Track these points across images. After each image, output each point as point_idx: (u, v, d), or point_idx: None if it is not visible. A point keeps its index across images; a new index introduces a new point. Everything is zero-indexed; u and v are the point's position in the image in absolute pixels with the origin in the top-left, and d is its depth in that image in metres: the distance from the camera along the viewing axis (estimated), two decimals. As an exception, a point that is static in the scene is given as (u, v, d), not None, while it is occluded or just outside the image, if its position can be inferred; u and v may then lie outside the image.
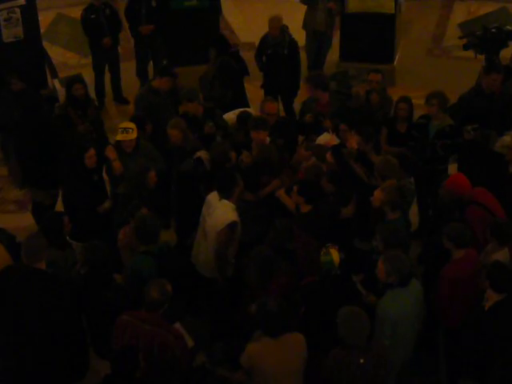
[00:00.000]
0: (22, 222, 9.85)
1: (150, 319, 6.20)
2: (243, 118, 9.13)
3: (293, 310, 6.24)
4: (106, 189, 8.78)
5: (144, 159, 8.40)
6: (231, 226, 7.44)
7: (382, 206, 7.28)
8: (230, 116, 9.48)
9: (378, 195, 7.32)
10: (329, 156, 8.21)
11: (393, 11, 12.44)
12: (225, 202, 7.54)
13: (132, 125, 8.55)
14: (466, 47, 10.87)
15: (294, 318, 6.28)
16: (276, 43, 10.88)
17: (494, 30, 10.49)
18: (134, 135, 8.47)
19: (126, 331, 6.24)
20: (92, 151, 8.27)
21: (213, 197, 7.67)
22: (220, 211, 7.52)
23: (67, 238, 7.67)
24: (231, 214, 7.47)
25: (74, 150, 8.41)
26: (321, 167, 8.19)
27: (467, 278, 6.71)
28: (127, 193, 7.86)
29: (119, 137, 8.49)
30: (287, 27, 10.98)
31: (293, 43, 11.03)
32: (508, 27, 10.66)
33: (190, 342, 6.52)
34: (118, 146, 8.55)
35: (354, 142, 8.22)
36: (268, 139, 8.55)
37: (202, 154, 8.49)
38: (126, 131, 8.46)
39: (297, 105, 11.48)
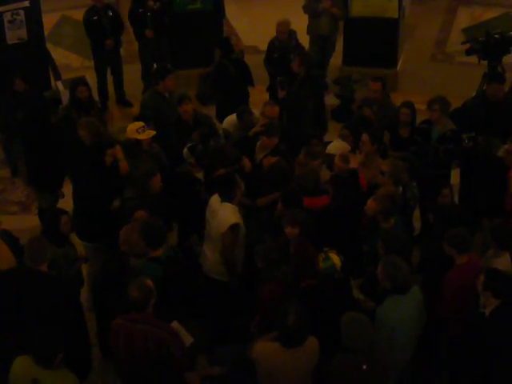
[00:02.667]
0: (24, 223, 9.86)
1: (142, 319, 6.18)
2: (242, 113, 9.18)
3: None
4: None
5: (152, 161, 8.38)
6: (233, 227, 7.44)
7: (376, 214, 7.29)
8: (233, 118, 9.49)
9: (371, 205, 7.34)
10: (337, 159, 8.17)
11: (396, 16, 12.43)
12: (226, 204, 7.55)
13: (143, 123, 8.54)
14: (468, 53, 10.88)
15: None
16: (282, 48, 10.88)
17: (496, 36, 10.50)
18: (153, 132, 8.48)
19: (119, 334, 6.24)
20: (111, 149, 8.29)
21: (214, 200, 7.67)
22: (222, 214, 7.52)
23: (77, 237, 7.67)
24: (233, 216, 7.47)
25: (95, 148, 8.41)
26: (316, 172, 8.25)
27: (470, 285, 6.69)
28: (133, 197, 7.86)
29: (142, 136, 8.41)
30: (295, 32, 10.99)
31: (299, 49, 11.04)
32: (511, 33, 10.67)
33: (189, 339, 6.50)
34: (132, 147, 8.52)
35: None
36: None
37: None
38: (145, 129, 8.44)
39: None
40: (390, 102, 9.86)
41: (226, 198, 7.55)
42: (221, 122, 10.20)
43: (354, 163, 8.07)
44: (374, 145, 8.38)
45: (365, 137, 8.35)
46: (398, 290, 6.38)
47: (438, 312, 6.86)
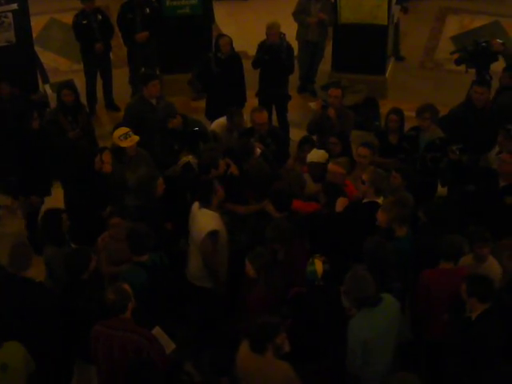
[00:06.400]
0: (10, 227, 9.82)
1: (121, 325, 6.17)
2: (231, 114, 9.26)
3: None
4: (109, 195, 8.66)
5: (144, 167, 8.33)
6: (211, 234, 7.40)
7: (391, 224, 7.15)
8: (221, 121, 9.50)
9: (382, 217, 7.18)
10: (331, 166, 8.14)
11: (386, 23, 12.43)
12: (205, 210, 7.51)
13: (128, 129, 8.48)
14: (457, 62, 10.94)
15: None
16: (274, 49, 10.87)
17: (484, 44, 10.56)
18: (136, 137, 8.43)
19: (99, 341, 6.23)
20: (99, 156, 8.25)
21: (195, 205, 7.66)
22: (200, 220, 7.50)
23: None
24: (211, 223, 7.44)
25: (84, 154, 8.34)
26: (302, 176, 8.25)
27: (447, 290, 6.68)
28: (138, 205, 7.79)
29: (124, 143, 8.38)
30: (284, 34, 11.01)
31: (290, 49, 11.08)
32: (498, 40, 10.73)
33: (171, 345, 6.50)
34: (118, 153, 8.46)
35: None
36: (259, 150, 8.54)
37: (189, 158, 8.47)
38: (128, 135, 8.40)
39: (290, 116, 11.52)
40: (348, 111, 9.85)
41: (203, 203, 7.52)
42: (209, 120, 10.28)
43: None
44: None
45: (364, 150, 8.38)
46: (366, 303, 6.27)
47: (412, 311, 6.82)
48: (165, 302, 6.97)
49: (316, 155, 8.55)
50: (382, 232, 7.16)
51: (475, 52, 10.59)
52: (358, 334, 6.24)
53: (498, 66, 10.70)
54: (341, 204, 7.70)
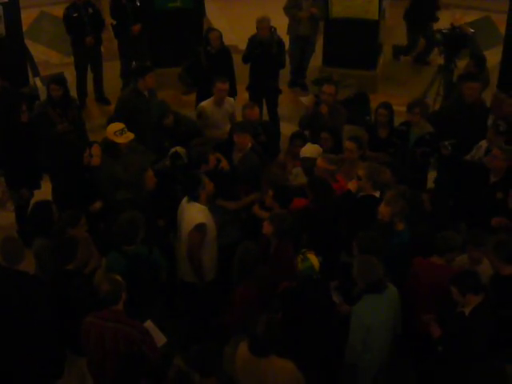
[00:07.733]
0: (1, 220, 9.78)
1: (113, 317, 6.18)
2: (215, 82, 9.31)
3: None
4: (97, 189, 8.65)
5: (132, 159, 8.28)
6: (198, 227, 7.37)
7: (393, 218, 7.15)
8: (208, 100, 9.56)
9: (385, 210, 7.17)
10: (320, 161, 8.13)
11: (376, 17, 12.45)
12: (193, 203, 7.50)
13: (123, 125, 8.43)
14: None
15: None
16: (265, 43, 10.87)
17: (458, 31, 10.75)
18: (132, 135, 8.39)
19: (90, 332, 6.23)
20: (88, 150, 8.21)
21: (184, 200, 7.65)
22: (189, 213, 7.48)
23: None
24: (198, 216, 7.41)
25: (73, 148, 8.32)
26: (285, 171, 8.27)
27: (432, 283, 6.69)
28: (128, 199, 7.74)
29: (120, 139, 8.30)
30: (275, 29, 11.01)
31: (281, 43, 11.09)
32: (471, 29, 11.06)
33: (162, 339, 6.51)
34: (111, 148, 8.42)
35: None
36: (250, 144, 8.54)
37: (178, 148, 8.45)
38: (124, 132, 8.34)
39: (281, 110, 11.52)
40: (340, 107, 9.82)
41: (191, 197, 7.51)
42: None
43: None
44: (359, 151, 8.40)
45: (350, 144, 8.36)
46: (373, 289, 6.38)
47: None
48: (147, 294, 6.97)
49: (309, 150, 8.56)
50: (382, 226, 7.17)
51: (449, 35, 10.76)
52: (362, 319, 6.33)
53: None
54: (353, 186, 7.75)
